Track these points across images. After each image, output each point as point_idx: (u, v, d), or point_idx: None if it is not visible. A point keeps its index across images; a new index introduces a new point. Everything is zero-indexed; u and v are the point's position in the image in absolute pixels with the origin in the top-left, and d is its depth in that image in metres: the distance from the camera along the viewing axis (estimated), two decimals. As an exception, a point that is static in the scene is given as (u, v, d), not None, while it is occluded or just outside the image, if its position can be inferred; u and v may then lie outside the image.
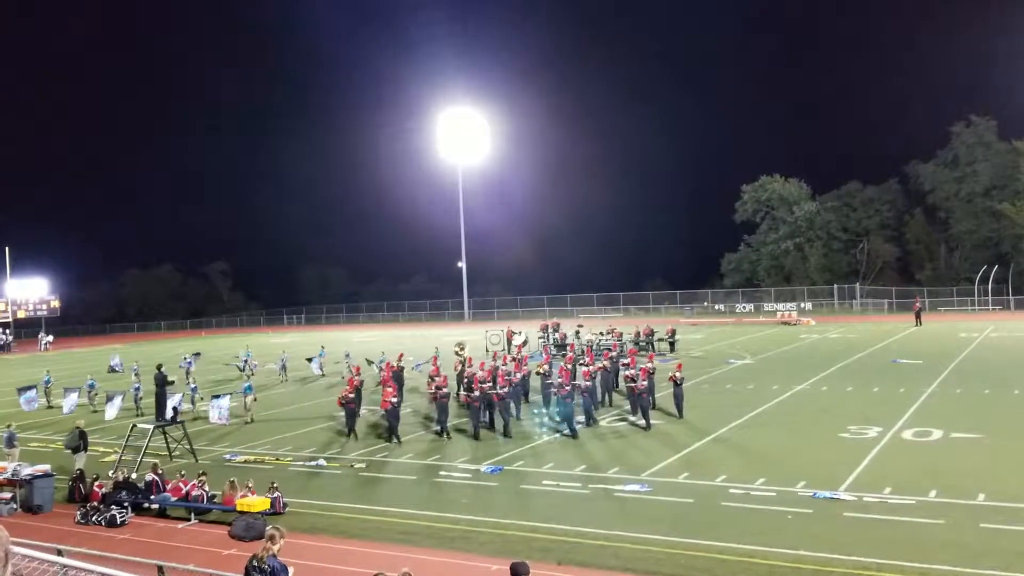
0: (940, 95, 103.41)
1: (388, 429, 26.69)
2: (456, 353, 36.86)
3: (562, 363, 32.20)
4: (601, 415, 28.47)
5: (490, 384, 27.45)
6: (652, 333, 50.21)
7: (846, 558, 14.34)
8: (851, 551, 14.61)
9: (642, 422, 26.77)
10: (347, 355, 43.75)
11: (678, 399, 27.82)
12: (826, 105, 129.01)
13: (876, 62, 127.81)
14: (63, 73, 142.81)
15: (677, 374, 28.08)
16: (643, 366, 28.23)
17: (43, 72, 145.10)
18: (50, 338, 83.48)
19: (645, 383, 27.34)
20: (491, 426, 27.04)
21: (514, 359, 33.61)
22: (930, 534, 15.42)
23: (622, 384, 30.66)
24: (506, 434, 26.18)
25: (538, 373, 30.53)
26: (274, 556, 10.55)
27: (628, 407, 29.11)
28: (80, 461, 23.52)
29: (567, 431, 25.90)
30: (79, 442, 23.73)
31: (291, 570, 10.76)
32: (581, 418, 26.69)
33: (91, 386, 36.76)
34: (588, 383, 28.02)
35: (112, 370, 51.47)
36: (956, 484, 18.42)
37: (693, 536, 15.88)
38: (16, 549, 8.98)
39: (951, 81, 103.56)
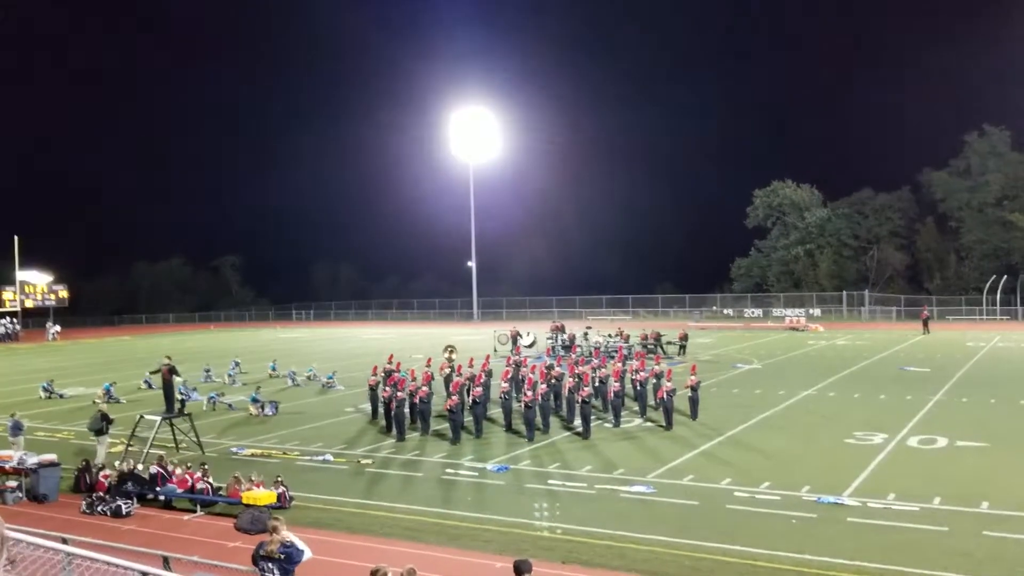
0: (955, 104, 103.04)
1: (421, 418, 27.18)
2: (447, 358, 36.69)
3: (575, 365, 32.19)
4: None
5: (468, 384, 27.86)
6: (659, 337, 50.26)
7: (849, 563, 14.34)
8: (854, 556, 14.61)
9: (662, 422, 27.00)
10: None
11: (693, 402, 27.97)
12: (840, 111, 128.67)
13: (892, 69, 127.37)
14: (75, 65, 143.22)
15: (692, 377, 28.23)
16: (668, 366, 28.29)
17: (56, 64, 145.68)
18: (57, 328, 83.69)
19: (670, 383, 27.42)
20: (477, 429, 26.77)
21: (516, 361, 33.66)
22: (933, 541, 15.41)
23: (628, 386, 30.65)
24: (477, 433, 26.40)
25: (553, 377, 30.34)
26: (284, 544, 10.62)
27: (636, 408, 29.20)
28: (103, 444, 23.79)
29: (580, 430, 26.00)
30: (102, 424, 23.93)
31: (307, 549, 10.80)
32: (606, 421, 26.73)
33: (107, 391, 36.36)
34: (617, 384, 28.16)
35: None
36: (960, 492, 18.40)
37: (697, 538, 15.89)
38: (21, 537, 9.04)
39: (966, 90, 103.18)
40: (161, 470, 20.29)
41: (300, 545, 10.72)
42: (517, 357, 35.86)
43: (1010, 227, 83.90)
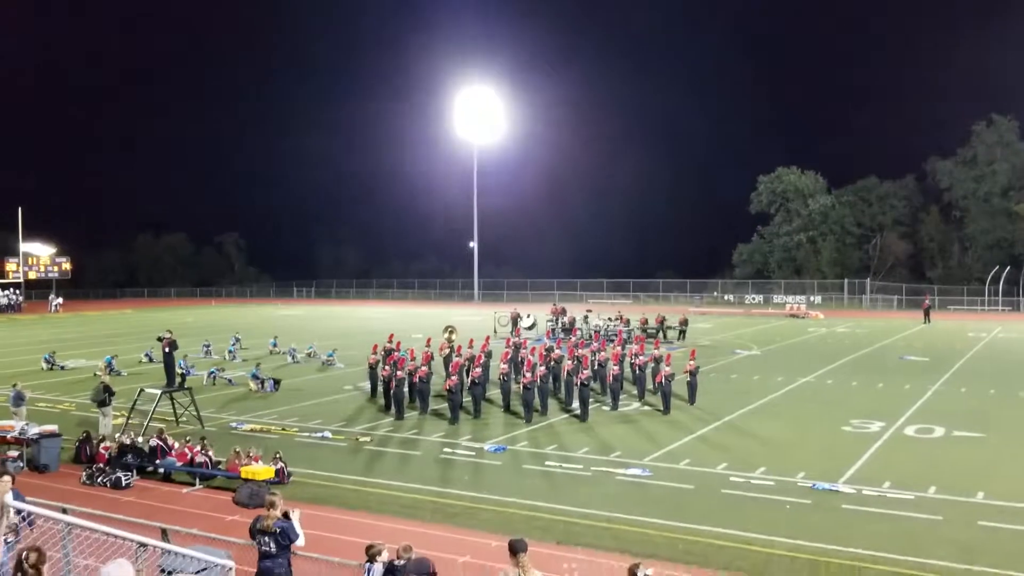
0: (963, 93, 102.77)
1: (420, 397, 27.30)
2: (447, 338, 36.75)
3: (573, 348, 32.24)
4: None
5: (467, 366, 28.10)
6: (664, 321, 50.37)
7: (843, 549, 14.44)
8: (848, 543, 14.70)
9: (660, 407, 27.12)
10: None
11: (691, 387, 28.09)
12: (846, 98, 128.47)
13: (899, 57, 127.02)
14: (78, 42, 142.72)
15: (691, 362, 28.33)
16: (668, 351, 28.34)
17: (59, 42, 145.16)
18: (60, 300, 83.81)
19: (669, 368, 27.49)
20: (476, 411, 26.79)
21: (516, 343, 33.70)
22: (927, 530, 15.51)
23: (627, 370, 30.73)
24: (476, 414, 26.47)
25: (552, 359, 30.42)
26: (281, 519, 10.72)
27: (634, 392, 29.32)
28: (107, 416, 23.90)
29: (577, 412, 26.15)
30: (104, 396, 24.05)
31: (302, 535, 10.90)
32: (604, 404, 26.78)
33: (108, 363, 36.30)
34: (616, 368, 28.25)
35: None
36: (956, 482, 18.48)
37: (692, 521, 16.00)
38: (21, 506, 9.12)
39: (974, 79, 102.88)
40: (161, 443, 20.42)
41: (298, 528, 10.81)
42: (517, 339, 35.89)
43: (1015, 218, 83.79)
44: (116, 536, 9.19)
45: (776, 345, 47.00)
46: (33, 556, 7.67)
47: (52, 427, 21.70)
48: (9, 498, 9.12)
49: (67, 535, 9.53)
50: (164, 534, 10.87)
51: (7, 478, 10.03)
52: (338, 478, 19.48)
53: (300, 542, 10.90)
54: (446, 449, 22.23)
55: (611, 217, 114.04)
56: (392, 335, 33.98)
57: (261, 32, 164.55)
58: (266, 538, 10.69)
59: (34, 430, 21.23)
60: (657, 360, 29.32)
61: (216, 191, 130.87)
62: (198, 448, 19.98)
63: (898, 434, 23.51)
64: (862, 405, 27.81)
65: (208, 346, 43.12)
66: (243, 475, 18.50)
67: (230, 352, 41.91)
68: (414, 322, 61.05)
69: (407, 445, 22.86)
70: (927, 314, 62.81)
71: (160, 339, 25.86)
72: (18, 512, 9.02)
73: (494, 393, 28.82)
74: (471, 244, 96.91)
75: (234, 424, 25.68)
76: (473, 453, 21.79)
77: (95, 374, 33.54)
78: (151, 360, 38.77)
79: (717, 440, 23.06)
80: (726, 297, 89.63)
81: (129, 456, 20.03)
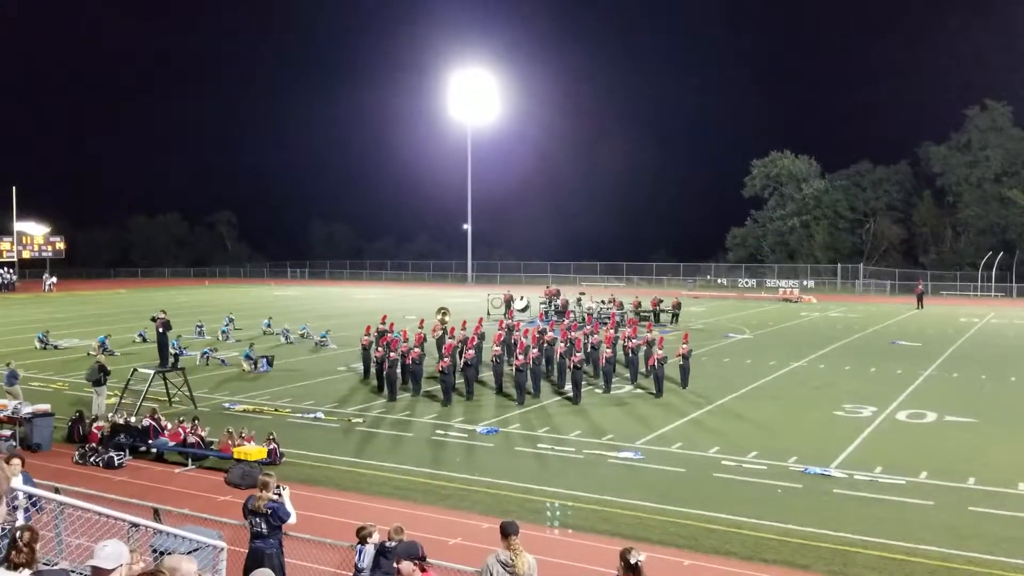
0: (957, 78, 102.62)
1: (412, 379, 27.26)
2: (440, 320, 36.71)
3: (565, 329, 32.27)
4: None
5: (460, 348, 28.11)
6: (660, 302, 50.38)
7: (833, 533, 14.49)
8: (838, 527, 14.76)
9: (652, 390, 27.14)
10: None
11: (684, 370, 28.14)
12: (840, 83, 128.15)
13: (894, 42, 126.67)
14: (76, 22, 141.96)
15: (684, 346, 28.36)
16: (661, 334, 28.37)
17: (56, 23, 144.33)
18: (53, 279, 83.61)
19: (661, 351, 27.51)
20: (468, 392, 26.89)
21: (509, 325, 33.73)
22: (918, 515, 15.56)
23: (619, 353, 30.75)
24: (468, 396, 26.52)
25: (545, 341, 30.49)
26: (273, 500, 10.75)
27: (627, 375, 29.36)
28: (101, 395, 23.89)
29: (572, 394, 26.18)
30: (99, 375, 24.02)
31: (293, 513, 10.94)
32: (597, 387, 26.81)
33: (102, 343, 36.17)
34: (609, 351, 28.28)
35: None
36: (947, 467, 18.55)
37: (683, 505, 16.05)
38: (26, 488, 9.12)
39: (969, 64, 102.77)
40: (154, 423, 20.41)
41: (289, 507, 10.84)
42: (510, 321, 35.91)
43: (1008, 203, 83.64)
44: (108, 516, 9.17)
45: (769, 329, 47.07)
46: (27, 535, 7.66)
47: (45, 406, 21.68)
48: (19, 481, 9.13)
49: (59, 514, 9.53)
50: (156, 514, 10.89)
51: (16, 461, 10.04)
52: (330, 459, 19.50)
53: (292, 520, 10.94)
54: (438, 431, 22.27)
55: (605, 200, 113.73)
56: (385, 316, 33.98)
57: (261, 31, 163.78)
58: (257, 519, 10.71)
59: (27, 409, 21.21)
60: (650, 343, 29.38)
61: (210, 171, 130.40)
62: (191, 428, 19.99)
63: (890, 419, 23.59)
64: (854, 390, 27.89)
65: (201, 326, 43.08)
66: (235, 455, 18.52)
67: (223, 332, 41.88)
68: (408, 303, 61.05)
69: (399, 426, 22.87)
70: (920, 299, 62.85)
71: (154, 319, 25.81)
72: (27, 496, 9.02)
73: (487, 375, 28.84)
74: (465, 226, 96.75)
75: (227, 404, 25.69)
76: (465, 435, 21.83)
77: (88, 354, 33.53)
78: (144, 340, 38.74)
79: (709, 424, 23.12)
80: (719, 281, 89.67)
81: (122, 436, 20.03)
